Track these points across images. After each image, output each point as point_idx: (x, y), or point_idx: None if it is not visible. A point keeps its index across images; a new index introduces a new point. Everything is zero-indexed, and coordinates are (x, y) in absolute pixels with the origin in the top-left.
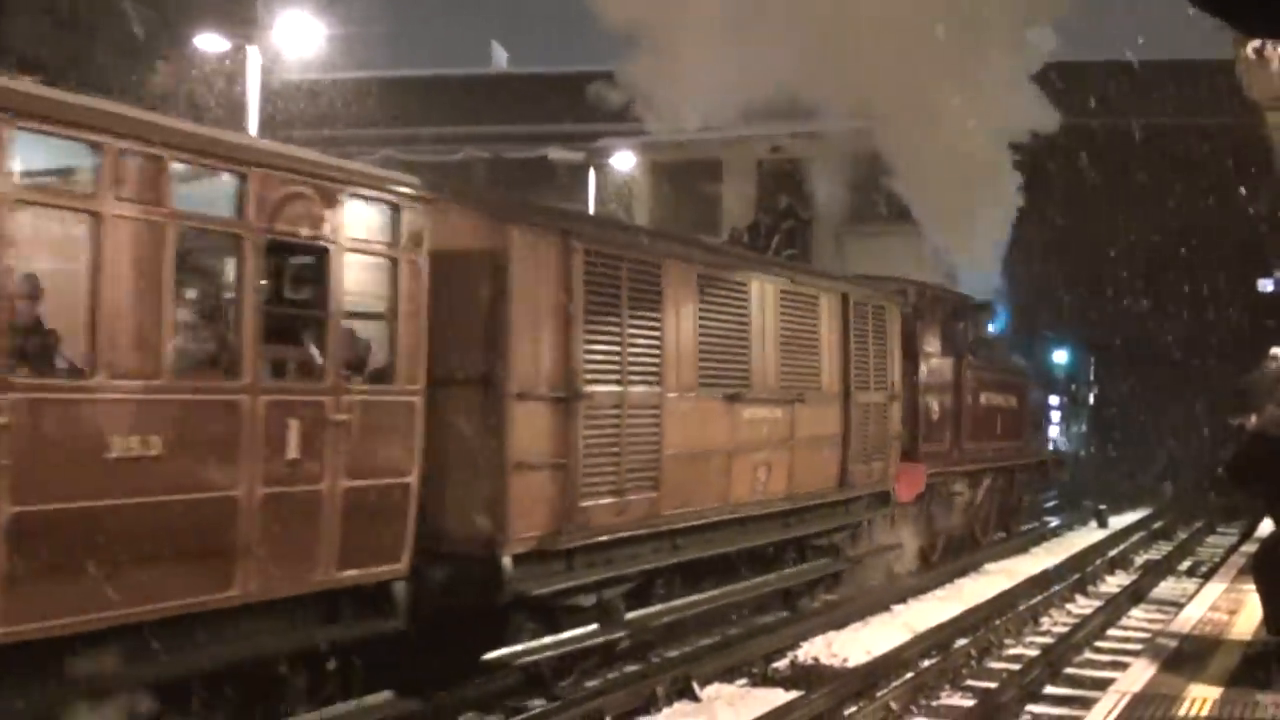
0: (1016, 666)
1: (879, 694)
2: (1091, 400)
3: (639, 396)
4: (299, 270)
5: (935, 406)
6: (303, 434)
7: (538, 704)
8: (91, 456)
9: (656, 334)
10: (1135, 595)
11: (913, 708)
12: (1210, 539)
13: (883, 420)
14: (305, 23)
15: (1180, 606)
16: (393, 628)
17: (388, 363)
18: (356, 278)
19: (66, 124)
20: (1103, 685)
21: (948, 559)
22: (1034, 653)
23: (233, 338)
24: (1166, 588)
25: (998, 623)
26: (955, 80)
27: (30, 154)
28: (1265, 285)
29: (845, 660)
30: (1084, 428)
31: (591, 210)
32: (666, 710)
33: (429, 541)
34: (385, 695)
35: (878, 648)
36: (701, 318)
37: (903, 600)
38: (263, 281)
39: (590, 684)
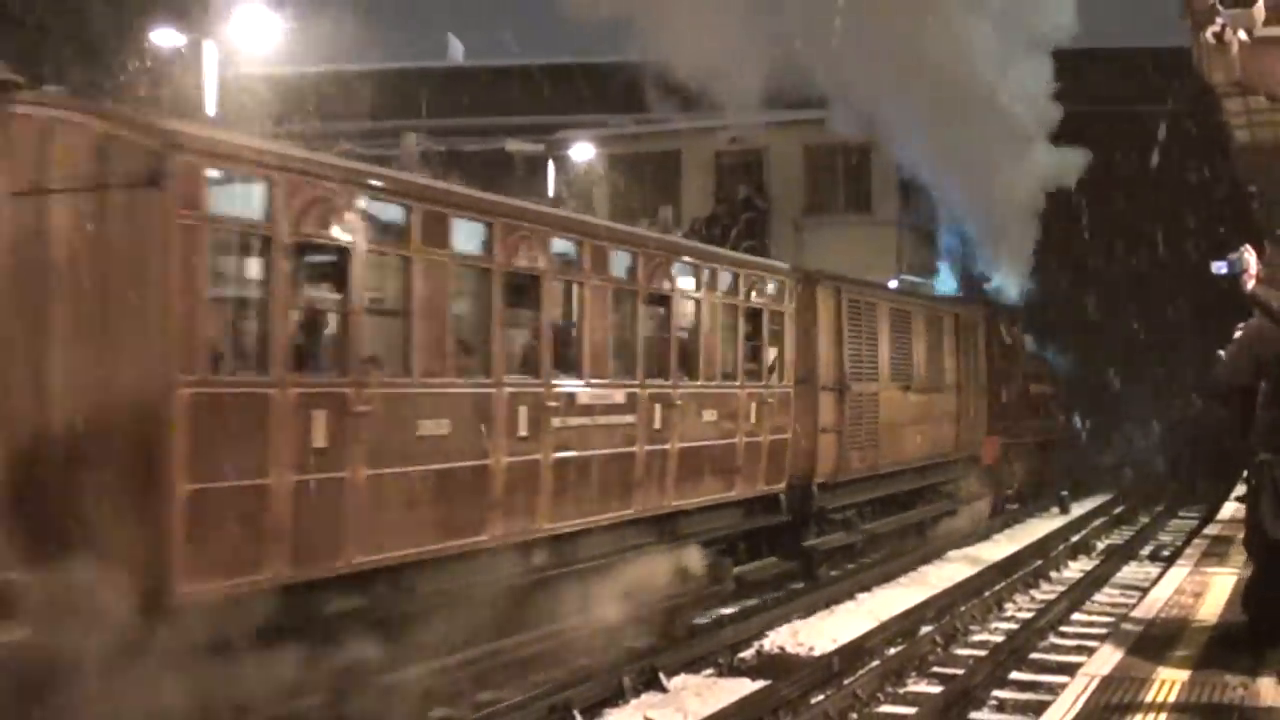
0: (982, 652)
1: (846, 682)
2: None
3: (869, 387)
4: (750, 318)
5: (1004, 393)
6: (756, 408)
7: (798, 585)
8: (694, 420)
9: (874, 347)
10: (1098, 580)
11: (879, 695)
12: (1172, 523)
13: (978, 403)
14: (261, 17)
15: (1144, 591)
16: (782, 520)
17: (780, 368)
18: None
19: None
20: (1069, 670)
21: (1004, 512)
22: (999, 639)
23: (736, 359)
24: (1129, 572)
25: (962, 609)
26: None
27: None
28: (1219, 268)
29: (811, 649)
30: None
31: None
32: (634, 701)
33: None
34: (772, 559)
35: (843, 636)
36: (892, 335)
37: (867, 588)
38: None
39: (835, 572)
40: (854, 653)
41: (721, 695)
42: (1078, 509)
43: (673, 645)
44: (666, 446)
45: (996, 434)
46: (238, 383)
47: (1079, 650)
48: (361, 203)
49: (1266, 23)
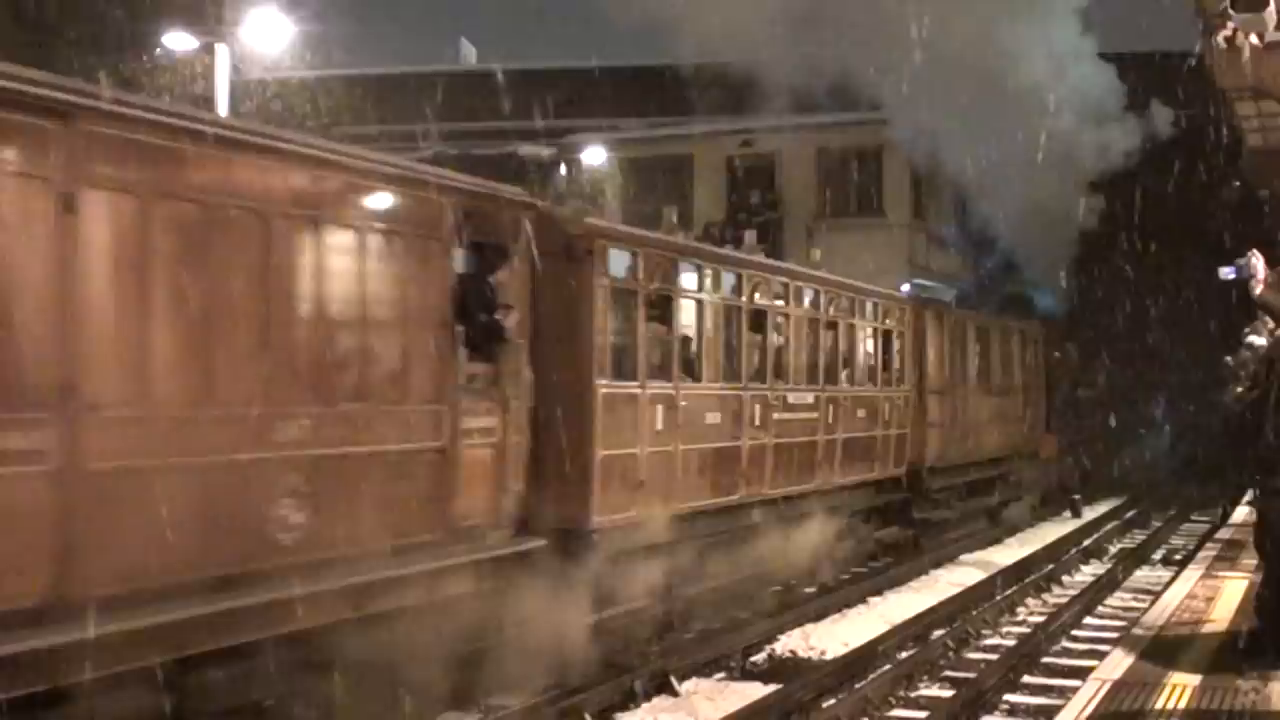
0: (994, 656)
1: (857, 686)
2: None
3: (961, 391)
4: (884, 337)
5: (1057, 397)
6: (889, 408)
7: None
8: (852, 417)
9: (964, 358)
10: (1110, 584)
11: (891, 699)
12: (1184, 527)
13: (1039, 405)
14: (274, 20)
15: (1156, 595)
16: (904, 496)
17: (902, 376)
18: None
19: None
20: (1081, 674)
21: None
22: (1011, 643)
23: (876, 368)
24: (1141, 576)
25: (974, 613)
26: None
27: None
28: (1227, 273)
29: (823, 653)
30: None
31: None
32: (645, 706)
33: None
34: (895, 529)
35: (855, 640)
36: (977, 348)
37: (879, 592)
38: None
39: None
40: (866, 657)
41: (733, 699)
42: (1089, 513)
43: (681, 648)
44: (835, 436)
45: (1053, 432)
46: (623, 386)
47: (1091, 654)
48: (679, 265)
49: (1278, 26)
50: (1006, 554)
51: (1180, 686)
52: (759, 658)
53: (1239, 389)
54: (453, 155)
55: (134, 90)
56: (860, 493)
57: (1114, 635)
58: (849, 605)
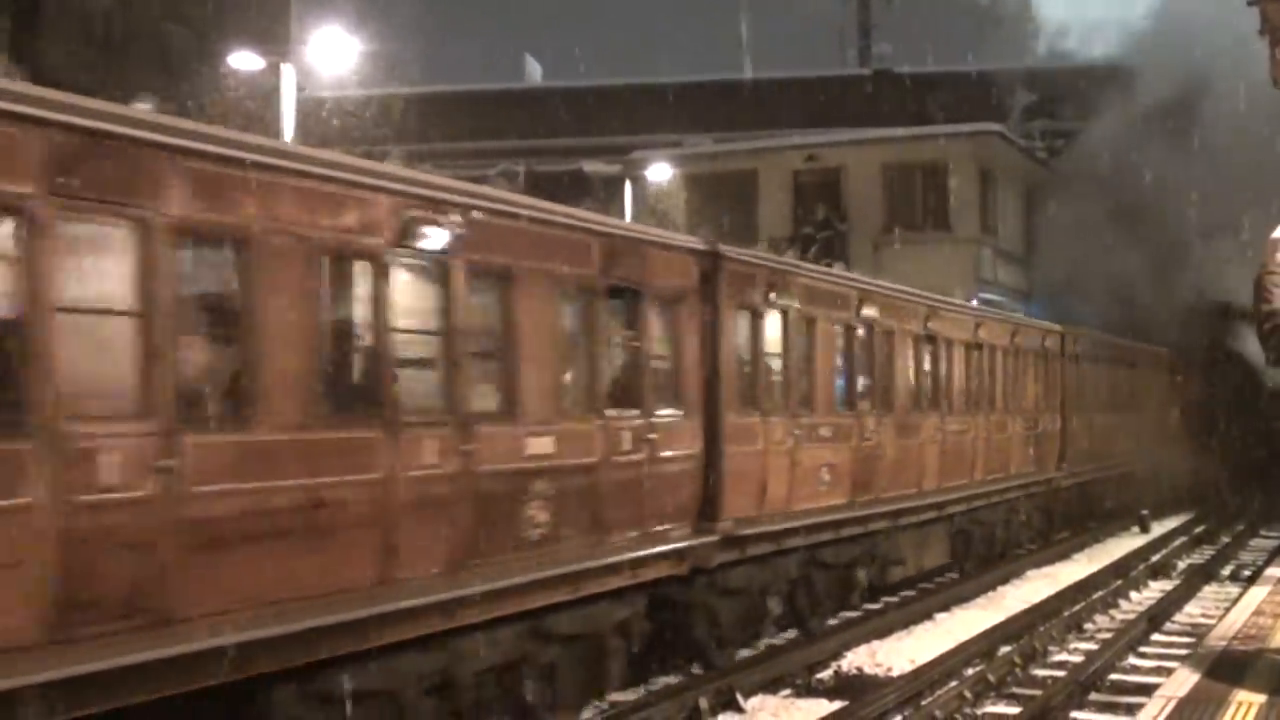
0: (1061, 673)
1: (924, 703)
2: None
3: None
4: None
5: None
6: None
7: None
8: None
9: (1196, 390)
10: (1178, 600)
11: (958, 716)
12: (1253, 542)
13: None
14: (340, 40)
15: (1224, 611)
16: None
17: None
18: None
19: None
20: (1147, 691)
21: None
22: (1078, 659)
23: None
24: (1209, 592)
25: (1041, 629)
26: None
27: None
28: None
29: (889, 669)
30: None
31: (628, 220)
32: None
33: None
34: None
35: (921, 656)
36: (1196, 383)
37: (946, 608)
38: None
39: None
40: (932, 673)
41: (799, 716)
42: (1158, 528)
43: (747, 665)
44: None
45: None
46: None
47: (1158, 671)
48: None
49: None
50: (1074, 570)
51: (1247, 704)
52: (825, 674)
53: None
54: (519, 172)
55: (210, 113)
56: None
57: (1181, 652)
58: (915, 622)
